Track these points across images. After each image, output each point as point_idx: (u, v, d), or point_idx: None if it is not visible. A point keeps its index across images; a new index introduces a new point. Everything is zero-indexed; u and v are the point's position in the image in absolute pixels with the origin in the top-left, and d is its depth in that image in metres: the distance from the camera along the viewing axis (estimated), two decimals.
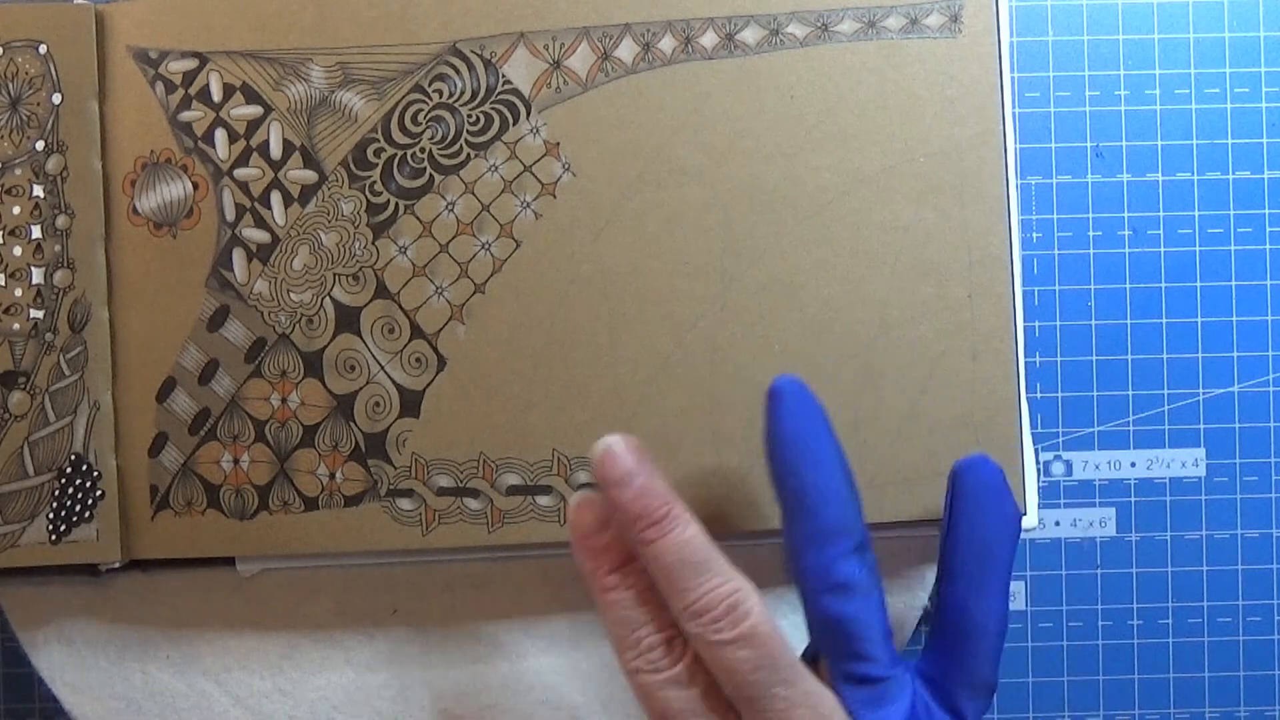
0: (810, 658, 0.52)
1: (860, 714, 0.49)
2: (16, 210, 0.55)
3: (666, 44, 0.56)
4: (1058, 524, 0.64)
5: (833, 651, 0.50)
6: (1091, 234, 0.63)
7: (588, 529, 0.50)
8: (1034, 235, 0.63)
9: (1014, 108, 0.63)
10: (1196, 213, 0.63)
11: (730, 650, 0.48)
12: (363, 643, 0.59)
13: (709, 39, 0.56)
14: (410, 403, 0.56)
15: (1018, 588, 0.64)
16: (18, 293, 0.55)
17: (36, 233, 0.55)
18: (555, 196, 0.56)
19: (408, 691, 0.58)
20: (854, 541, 0.49)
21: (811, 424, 0.50)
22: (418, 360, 0.56)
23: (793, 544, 0.50)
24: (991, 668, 0.51)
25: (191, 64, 0.56)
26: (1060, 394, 0.64)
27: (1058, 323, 0.63)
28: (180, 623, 0.58)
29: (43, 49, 0.55)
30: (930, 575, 0.59)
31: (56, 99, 0.55)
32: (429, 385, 0.56)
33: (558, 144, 0.56)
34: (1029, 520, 0.57)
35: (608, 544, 0.50)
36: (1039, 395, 0.63)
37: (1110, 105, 0.63)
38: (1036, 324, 0.63)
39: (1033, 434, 0.63)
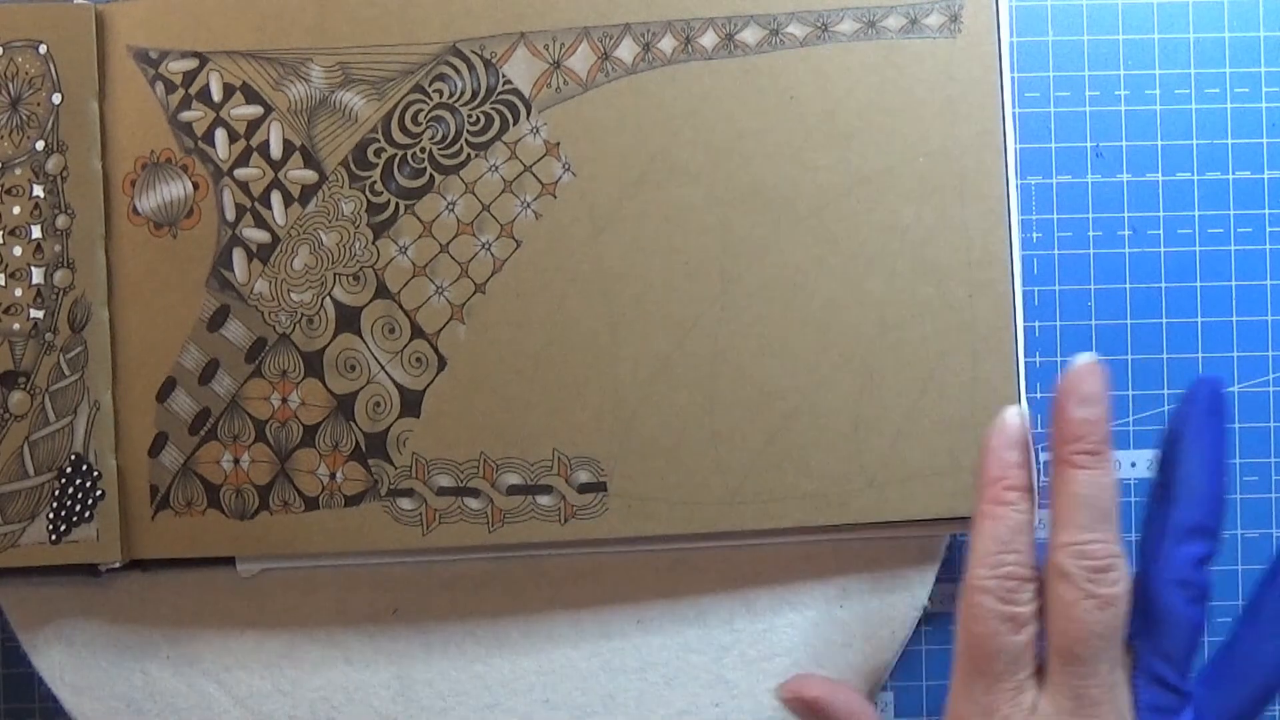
0: None
1: (1147, 717, 0.50)
2: (16, 210, 0.56)
3: (666, 44, 0.56)
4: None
5: (1150, 642, 0.50)
6: (1091, 234, 0.64)
7: (1012, 438, 0.51)
8: (1034, 235, 0.64)
9: (1014, 107, 0.63)
10: (1196, 213, 0.64)
11: (1090, 605, 0.49)
12: (363, 642, 0.59)
13: (709, 39, 0.56)
14: (411, 402, 0.56)
15: None
16: (18, 292, 0.56)
17: (36, 232, 0.56)
18: (555, 196, 0.56)
19: (408, 691, 0.59)
20: (1213, 551, 0.50)
21: (1219, 427, 0.51)
22: (418, 360, 0.56)
23: (1159, 527, 0.51)
24: (1255, 715, 0.51)
25: (192, 64, 0.56)
26: None
27: (1058, 323, 0.64)
28: (180, 623, 0.59)
29: (43, 49, 0.56)
30: (931, 575, 0.59)
31: (56, 99, 0.56)
32: (429, 385, 0.56)
33: (558, 144, 0.56)
34: None
35: (1022, 462, 0.51)
36: (1039, 395, 0.64)
37: (1110, 105, 0.64)
38: (1036, 324, 0.64)
39: (1033, 434, 0.63)
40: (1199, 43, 0.64)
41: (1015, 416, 0.52)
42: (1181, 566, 0.50)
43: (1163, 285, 0.64)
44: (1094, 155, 0.64)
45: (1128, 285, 0.64)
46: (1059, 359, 0.64)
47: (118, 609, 0.59)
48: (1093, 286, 0.64)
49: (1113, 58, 0.64)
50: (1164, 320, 0.64)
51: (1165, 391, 0.64)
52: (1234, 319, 0.64)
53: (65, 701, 0.59)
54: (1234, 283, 0.64)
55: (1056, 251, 0.64)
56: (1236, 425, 0.64)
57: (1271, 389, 0.64)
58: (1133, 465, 0.64)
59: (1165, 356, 0.64)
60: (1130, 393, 0.64)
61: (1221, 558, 0.63)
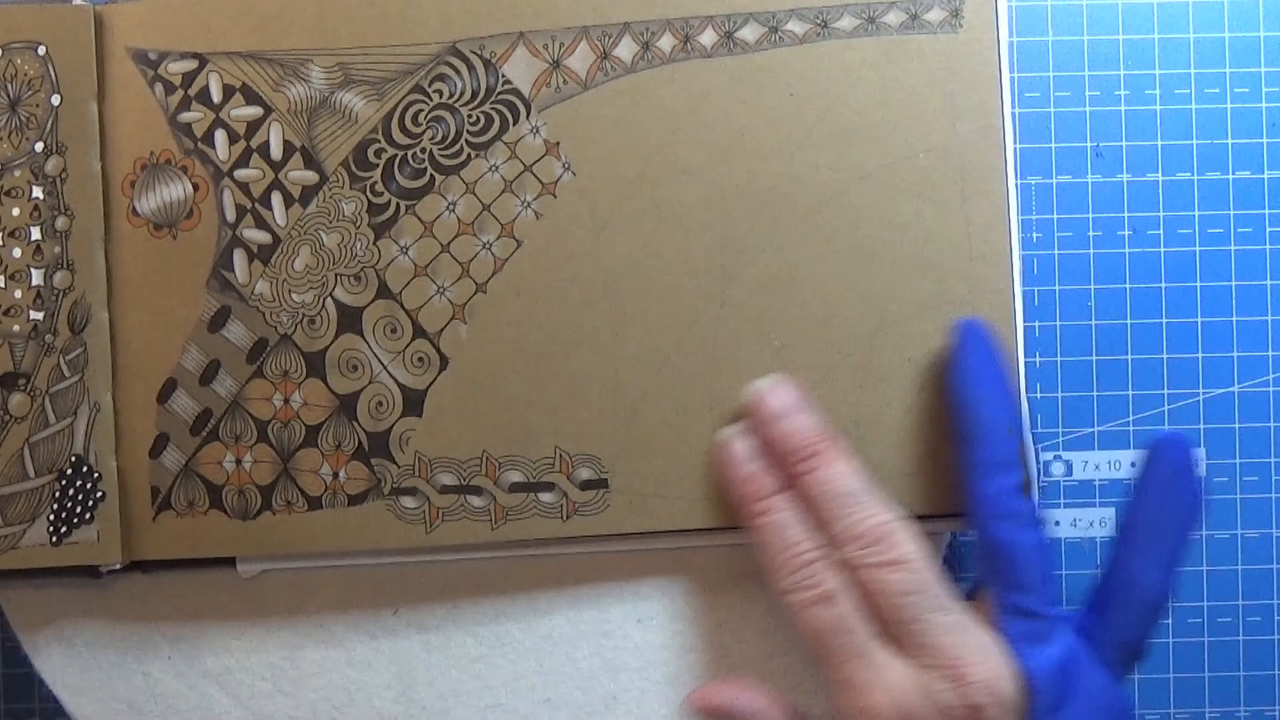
0: (968, 595, 0.55)
1: (1018, 647, 0.52)
2: (16, 212, 0.56)
3: (665, 43, 0.57)
4: (1058, 524, 0.65)
5: (998, 580, 0.53)
6: (1091, 234, 0.65)
7: (739, 458, 0.55)
8: (1034, 235, 0.64)
9: (1014, 107, 0.64)
10: (1196, 213, 0.65)
11: (885, 572, 0.52)
12: (364, 642, 0.60)
13: (708, 37, 0.57)
14: (413, 402, 0.57)
15: None
16: (17, 294, 0.56)
17: (36, 234, 0.56)
18: (555, 196, 0.57)
19: (410, 692, 0.59)
20: (1020, 478, 0.53)
21: (993, 363, 0.54)
22: (420, 359, 0.57)
23: (966, 472, 0.53)
24: (1144, 635, 0.54)
25: (191, 65, 0.57)
26: (1060, 394, 0.65)
27: (1058, 323, 0.65)
28: (181, 623, 0.59)
29: (41, 50, 0.56)
30: None
31: (55, 100, 0.56)
32: (431, 384, 0.57)
33: (558, 143, 0.57)
34: None
35: (756, 473, 0.55)
36: (1039, 395, 0.64)
37: (1110, 105, 0.65)
38: (1036, 324, 0.64)
39: (1033, 434, 0.64)
40: (1199, 43, 0.65)
41: (731, 438, 0.55)
42: (998, 500, 0.53)
43: (1163, 285, 0.64)
44: (1094, 155, 0.64)
45: (1128, 285, 0.64)
46: (1059, 359, 0.64)
47: (118, 610, 0.59)
48: (1093, 286, 0.64)
49: (1113, 58, 0.65)
50: (1164, 320, 0.64)
51: (1165, 391, 0.64)
52: (1234, 319, 0.64)
53: (66, 703, 0.59)
54: (1234, 283, 0.64)
55: (1056, 251, 0.64)
56: (1236, 425, 0.64)
57: (1271, 389, 0.65)
58: (1133, 465, 0.64)
59: (1165, 356, 0.64)
60: (1130, 393, 0.64)
61: (1221, 558, 0.64)
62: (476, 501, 0.57)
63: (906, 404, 0.57)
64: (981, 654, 0.52)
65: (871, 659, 0.53)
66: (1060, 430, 0.65)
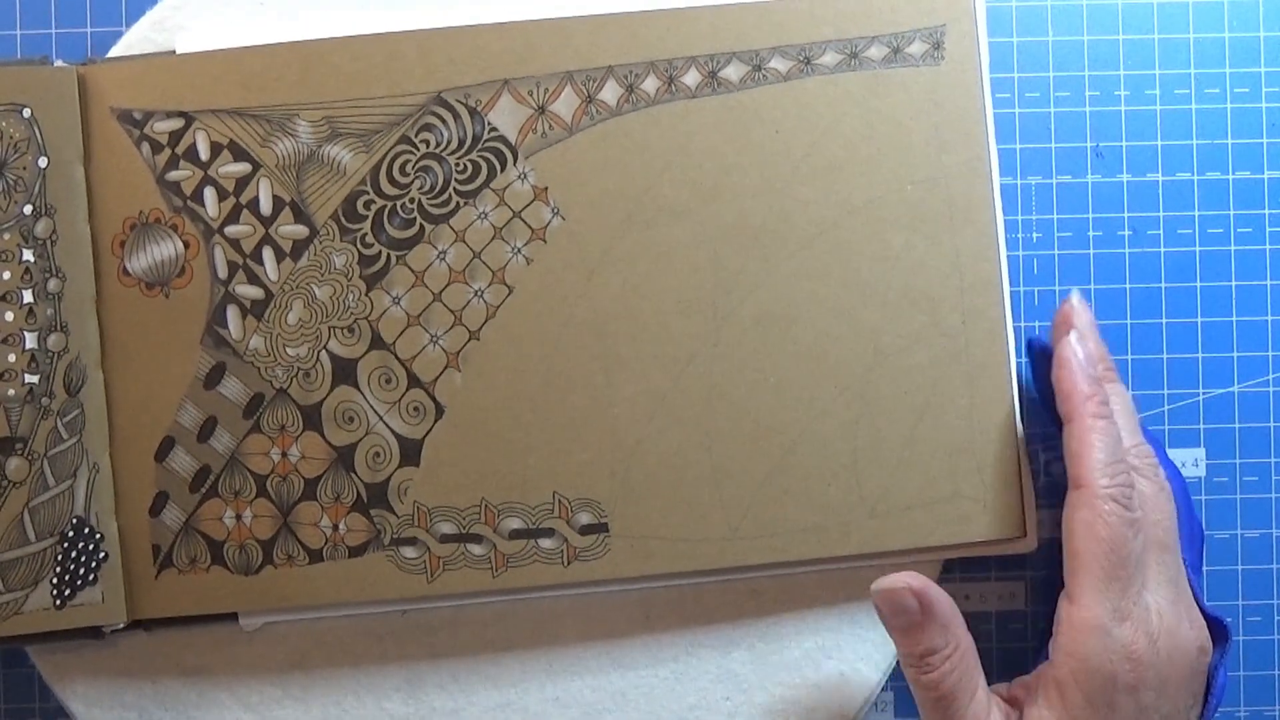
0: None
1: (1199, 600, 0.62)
2: (7, 275, 0.63)
3: (650, 84, 0.64)
4: (1058, 524, 0.67)
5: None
6: (1091, 234, 0.70)
7: (1085, 360, 0.62)
8: (1034, 235, 0.70)
9: (1015, 108, 0.70)
10: (1196, 213, 0.71)
11: (1163, 496, 0.61)
12: (371, 646, 0.66)
13: (691, 78, 0.64)
14: (410, 451, 0.64)
15: (1018, 588, 0.70)
16: (11, 358, 0.63)
17: (28, 297, 0.63)
18: (546, 241, 0.64)
19: (418, 693, 0.66)
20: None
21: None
22: (416, 409, 0.64)
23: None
24: None
25: (177, 123, 0.64)
26: None
27: None
28: (190, 631, 0.66)
29: (26, 112, 0.63)
30: None
31: (43, 162, 0.63)
32: (428, 433, 0.64)
33: (546, 188, 0.64)
34: (1028, 543, 0.65)
35: (1104, 375, 0.63)
36: (1039, 395, 0.69)
37: (1110, 105, 0.71)
38: (1036, 324, 0.70)
39: (1033, 434, 0.70)
40: (1199, 43, 0.71)
41: (1075, 340, 0.63)
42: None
43: (1163, 285, 0.70)
44: (1094, 155, 0.71)
45: (1128, 285, 0.71)
46: None
47: (121, 668, 0.66)
48: (1093, 286, 0.70)
49: (1113, 58, 0.71)
50: (1164, 320, 0.70)
51: (1165, 391, 0.70)
52: (1234, 319, 0.71)
53: (76, 712, 0.65)
54: (1234, 283, 0.71)
55: (1056, 251, 0.70)
56: (1236, 425, 0.71)
57: (1271, 389, 0.71)
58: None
59: (1165, 356, 0.70)
60: (1130, 393, 0.68)
61: (1221, 558, 0.70)
62: (477, 550, 0.64)
63: (904, 436, 0.64)
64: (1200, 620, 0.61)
65: (1145, 599, 0.59)
66: (1060, 430, 0.71)
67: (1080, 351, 0.61)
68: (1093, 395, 0.61)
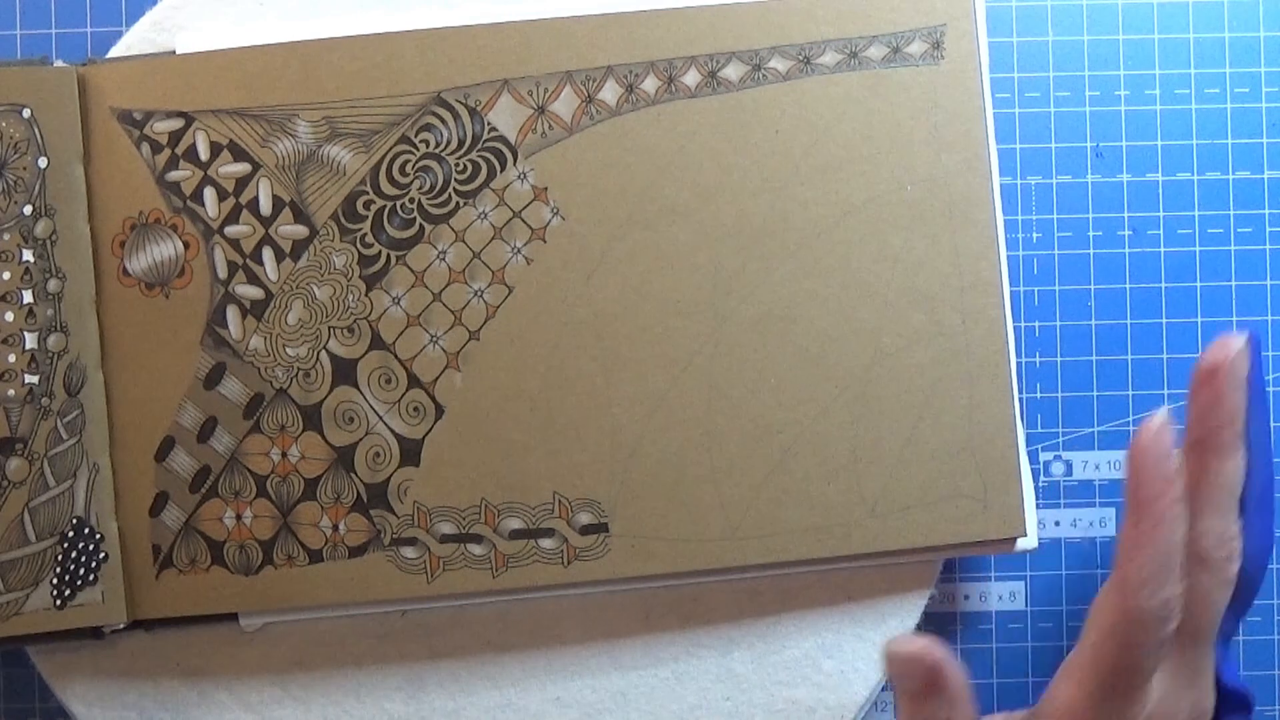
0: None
1: (1222, 669, 0.60)
2: (7, 275, 0.63)
3: (649, 84, 0.65)
4: (1058, 524, 0.71)
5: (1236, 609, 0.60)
6: (1091, 234, 0.71)
7: (1164, 450, 0.56)
8: (1034, 235, 0.71)
9: (1014, 108, 0.71)
10: (1196, 213, 0.71)
11: (1223, 590, 0.58)
12: (372, 645, 0.67)
13: (691, 77, 0.65)
14: (410, 452, 0.64)
15: (1018, 588, 0.71)
16: (11, 358, 0.63)
17: (28, 297, 0.63)
18: (545, 241, 0.65)
19: (419, 693, 0.67)
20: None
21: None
22: (416, 409, 0.65)
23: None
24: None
25: (177, 124, 0.64)
26: (1060, 394, 0.71)
27: (1058, 323, 0.71)
28: (190, 632, 0.66)
29: (26, 113, 0.63)
30: (922, 601, 0.67)
31: (42, 162, 0.63)
32: (428, 434, 0.64)
33: (546, 189, 0.65)
34: (1029, 542, 0.65)
35: (1174, 473, 0.56)
36: (1039, 395, 0.71)
37: (1110, 105, 0.71)
38: (1036, 324, 0.71)
39: (1033, 434, 0.71)
40: (1199, 43, 0.71)
41: (1161, 423, 0.56)
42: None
43: (1163, 285, 0.71)
44: (1094, 155, 0.71)
45: (1128, 285, 0.71)
46: (1059, 359, 0.71)
47: (121, 668, 0.67)
48: (1093, 286, 0.71)
49: (1113, 58, 0.71)
50: (1164, 320, 0.71)
51: (1165, 391, 0.71)
52: (1234, 319, 0.71)
53: (76, 712, 0.66)
54: (1234, 283, 0.71)
55: (1056, 251, 0.71)
56: None
57: (1271, 389, 0.71)
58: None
59: (1165, 356, 0.71)
60: (1130, 393, 0.71)
61: None
62: (477, 550, 0.64)
63: (904, 437, 0.65)
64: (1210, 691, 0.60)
65: (1148, 695, 0.56)
66: (1060, 430, 0.71)
67: (1165, 439, 0.56)
68: (1160, 495, 0.56)
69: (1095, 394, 0.72)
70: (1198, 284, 0.72)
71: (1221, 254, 0.72)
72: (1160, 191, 0.72)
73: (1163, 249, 0.72)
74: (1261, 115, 0.72)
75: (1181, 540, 0.56)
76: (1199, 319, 0.72)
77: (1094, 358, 0.72)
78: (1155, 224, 0.72)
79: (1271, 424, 0.62)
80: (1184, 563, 0.56)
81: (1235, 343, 0.58)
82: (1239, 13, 0.72)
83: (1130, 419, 0.71)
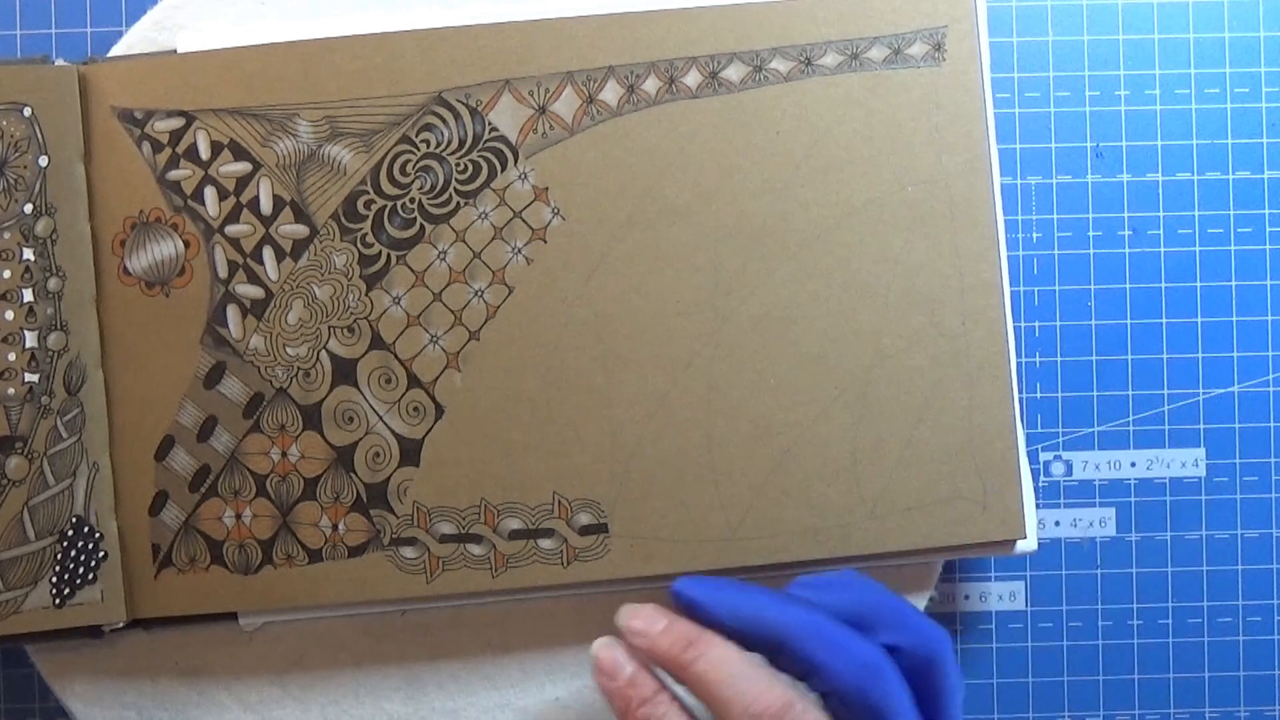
0: None
1: None
2: (7, 274, 0.63)
3: (650, 85, 0.65)
4: (1058, 524, 0.72)
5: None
6: (1091, 234, 0.72)
7: (613, 667, 0.58)
8: (1034, 235, 0.71)
9: (1014, 108, 0.71)
10: (1196, 213, 0.72)
11: None
12: (371, 646, 0.67)
13: (692, 78, 0.65)
14: (410, 451, 0.65)
15: (1018, 588, 0.72)
16: (11, 357, 0.63)
17: (28, 296, 0.63)
18: (546, 241, 0.65)
19: (418, 694, 0.67)
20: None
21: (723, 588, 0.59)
22: (416, 409, 0.65)
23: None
24: None
25: (178, 123, 0.64)
26: (1060, 394, 0.72)
27: (1058, 323, 0.72)
28: (189, 631, 0.66)
29: (27, 111, 0.63)
30: (922, 602, 0.68)
31: (43, 161, 0.63)
32: (428, 434, 0.65)
33: (546, 189, 0.65)
34: (1028, 544, 0.66)
35: (633, 678, 0.58)
36: (1039, 395, 0.72)
37: (1110, 105, 0.72)
38: (1036, 324, 0.72)
39: (1033, 434, 0.71)
40: (1199, 43, 0.72)
41: (599, 650, 0.58)
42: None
43: (1163, 285, 0.72)
44: (1094, 155, 0.72)
45: (1128, 285, 0.72)
46: (1059, 359, 0.72)
47: (120, 668, 0.67)
48: (1093, 286, 0.72)
49: (1113, 58, 0.72)
50: (1164, 320, 0.72)
51: (1165, 391, 0.71)
52: (1234, 319, 0.72)
53: (76, 711, 0.66)
54: (1234, 283, 0.72)
55: (1056, 251, 0.72)
56: (1236, 425, 0.72)
57: (1271, 389, 0.72)
58: (1132, 465, 0.72)
59: (1165, 356, 0.72)
60: (1130, 393, 0.72)
61: (1221, 558, 0.72)
62: (476, 550, 0.65)
63: (904, 438, 0.65)
64: None
65: None
66: (1060, 430, 0.72)
67: (604, 663, 0.59)
68: (628, 708, 0.59)
69: (1095, 394, 0.72)
70: (1198, 284, 0.72)
71: (1221, 254, 0.72)
72: (1160, 191, 0.72)
73: (1163, 249, 0.72)
74: (1261, 115, 0.72)
75: (680, 715, 0.58)
76: (1199, 319, 0.72)
77: (1094, 358, 0.72)
78: (1155, 224, 0.72)
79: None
80: None
81: (620, 618, 0.60)
82: (1239, 13, 0.72)
83: (1130, 419, 0.72)
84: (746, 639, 0.58)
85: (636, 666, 0.58)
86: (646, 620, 0.58)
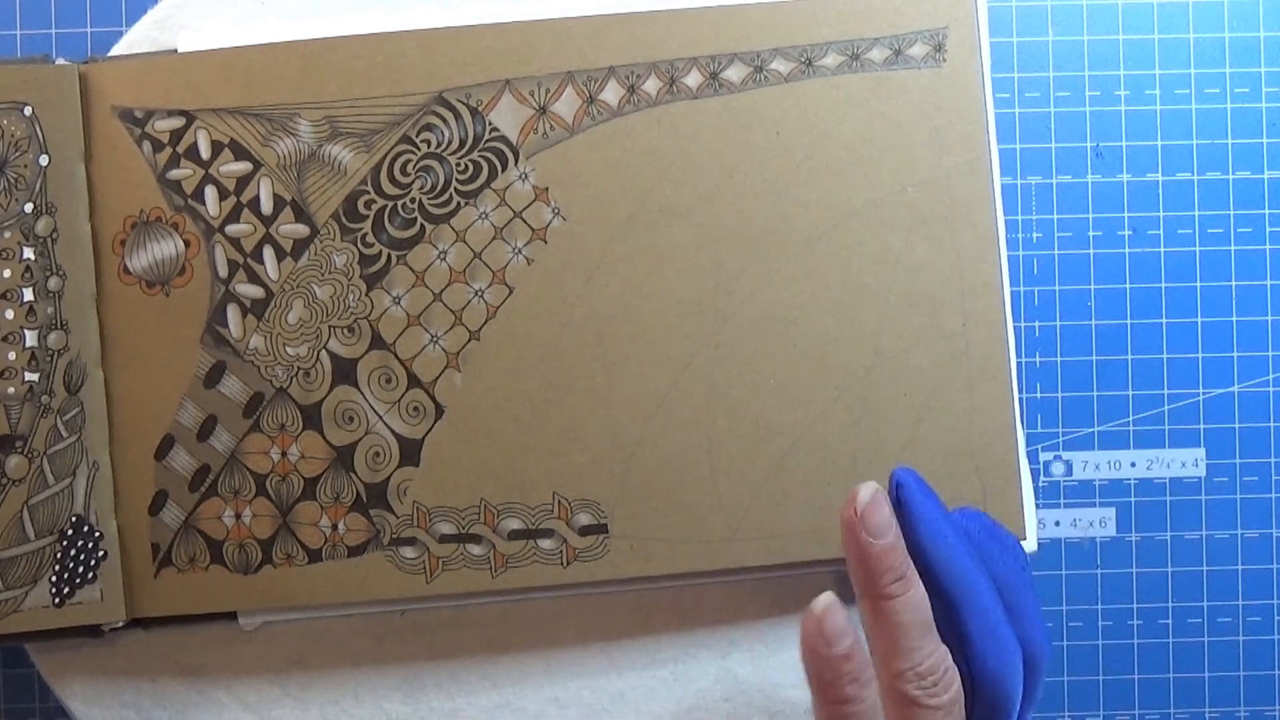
0: None
1: None
2: (7, 273, 0.64)
3: (651, 85, 0.65)
4: (1058, 524, 0.72)
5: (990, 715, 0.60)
6: (1091, 234, 0.71)
7: (835, 633, 0.56)
8: (1034, 235, 0.71)
9: (1014, 108, 0.71)
10: (1196, 213, 0.71)
11: (938, 716, 0.57)
12: (371, 645, 0.67)
13: (693, 79, 0.65)
14: (410, 451, 0.65)
15: None
16: (11, 356, 0.64)
17: (29, 295, 0.64)
18: (546, 241, 0.65)
19: (417, 693, 0.67)
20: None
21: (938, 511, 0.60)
22: (416, 409, 0.65)
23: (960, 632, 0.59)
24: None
25: (178, 122, 0.64)
26: (1060, 394, 0.72)
27: (1058, 323, 0.72)
28: (189, 631, 0.67)
29: (28, 110, 0.64)
30: None
31: (44, 160, 0.64)
32: (428, 434, 0.65)
33: (547, 189, 0.65)
34: (1028, 545, 0.65)
35: (850, 652, 0.56)
36: (1039, 395, 0.71)
37: (1110, 105, 0.71)
38: (1036, 324, 0.71)
39: (1033, 434, 0.71)
40: (1199, 43, 0.71)
41: (830, 605, 0.56)
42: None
43: (1163, 285, 0.71)
44: (1094, 155, 0.71)
45: (1128, 285, 0.72)
46: (1059, 359, 0.71)
47: (120, 667, 0.67)
48: (1093, 286, 0.72)
49: (1113, 58, 0.71)
50: (1164, 320, 0.71)
51: (1165, 391, 0.71)
52: (1234, 319, 0.72)
53: (75, 711, 0.66)
54: (1234, 283, 0.72)
55: (1056, 251, 0.71)
56: (1236, 425, 0.72)
57: (1271, 389, 0.72)
58: (1132, 465, 0.72)
59: (1165, 356, 0.71)
60: (1130, 393, 0.71)
61: (1221, 558, 0.72)
62: (476, 550, 0.65)
63: (904, 439, 0.65)
64: None
65: None
66: (1060, 430, 0.72)
67: (831, 623, 0.56)
68: (835, 680, 0.56)
69: (1095, 394, 0.72)
70: (1198, 284, 0.72)
71: (1221, 254, 0.72)
72: (1160, 191, 0.72)
73: (1163, 249, 0.72)
74: (1261, 115, 0.72)
75: (875, 704, 0.57)
76: (1199, 319, 0.72)
77: (1094, 358, 0.72)
78: (1155, 224, 0.72)
79: (978, 539, 0.62)
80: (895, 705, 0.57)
81: (862, 494, 0.58)
82: (1239, 13, 0.72)
83: (1130, 419, 0.72)
84: (923, 573, 0.59)
85: (856, 639, 0.57)
86: (881, 521, 0.58)
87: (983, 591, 0.59)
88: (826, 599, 0.57)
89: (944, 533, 0.59)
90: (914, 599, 0.58)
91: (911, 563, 0.58)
